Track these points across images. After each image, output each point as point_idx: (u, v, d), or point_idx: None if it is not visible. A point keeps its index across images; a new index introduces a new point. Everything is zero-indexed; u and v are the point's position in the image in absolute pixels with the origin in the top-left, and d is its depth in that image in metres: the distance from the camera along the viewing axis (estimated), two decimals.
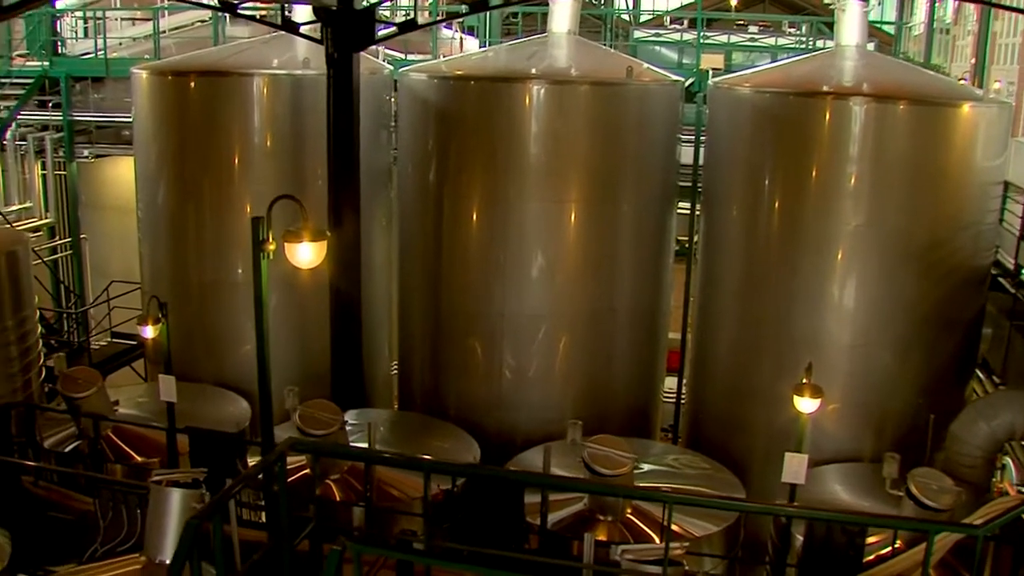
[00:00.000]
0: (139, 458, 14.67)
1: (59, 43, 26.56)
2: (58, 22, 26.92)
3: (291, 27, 17.17)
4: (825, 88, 15.49)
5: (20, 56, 25.14)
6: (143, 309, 14.58)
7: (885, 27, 39.90)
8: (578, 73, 16.71)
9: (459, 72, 17.20)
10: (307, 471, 13.56)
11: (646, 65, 18.20)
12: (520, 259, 16.53)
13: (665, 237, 17.86)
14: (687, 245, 20.55)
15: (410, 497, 13.51)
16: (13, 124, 24.01)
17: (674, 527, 12.74)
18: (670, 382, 20.65)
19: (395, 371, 20.53)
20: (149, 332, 13.75)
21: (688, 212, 19.70)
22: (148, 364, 19.67)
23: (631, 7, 36.14)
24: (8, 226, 21.90)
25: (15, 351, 15.99)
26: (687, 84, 19.06)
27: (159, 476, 10.73)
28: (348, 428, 14.20)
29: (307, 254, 11.24)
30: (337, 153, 16.39)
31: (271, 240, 10.85)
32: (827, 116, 15.28)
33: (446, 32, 27.20)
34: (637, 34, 27.94)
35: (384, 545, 9.41)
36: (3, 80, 24.28)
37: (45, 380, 17.17)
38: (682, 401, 20.83)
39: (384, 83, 19.48)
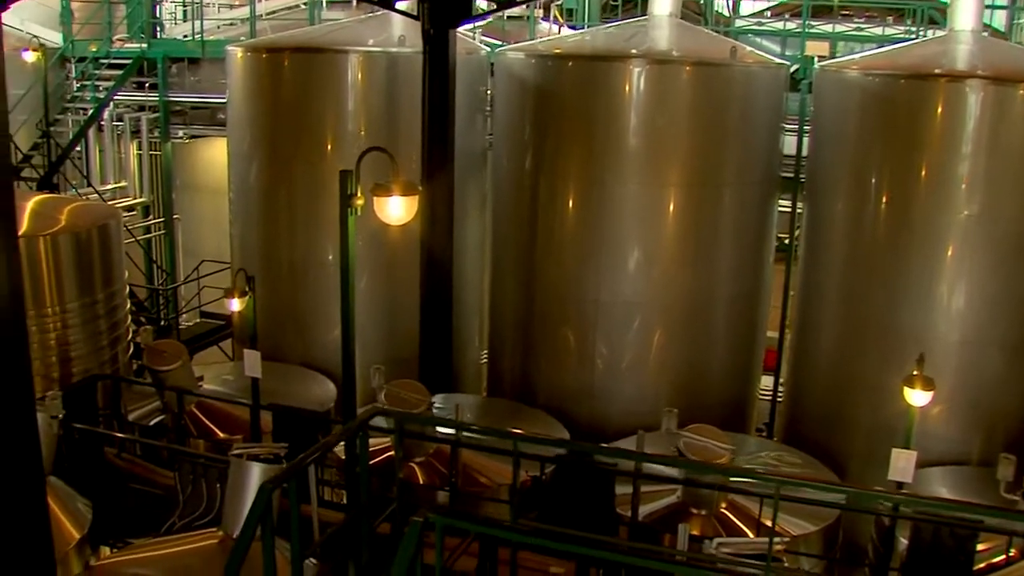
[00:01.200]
0: (222, 434, 14.46)
1: (158, 27, 26.61)
2: (157, 6, 27.01)
3: (387, 2, 16.88)
4: (938, 71, 14.75)
5: (119, 39, 25.22)
6: (232, 283, 14.34)
7: (995, 24, 38.67)
8: (680, 54, 16.15)
9: (557, 51, 16.74)
10: (391, 453, 13.21)
11: (749, 49, 17.60)
12: (616, 244, 16.02)
13: (766, 227, 17.22)
14: (786, 242, 19.88)
15: (496, 483, 13.11)
16: (111, 104, 24.06)
17: (769, 523, 12.21)
18: (765, 381, 20.00)
19: (484, 360, 20.19)
20: (236, 305, 13.50)
21: (788, 209, 19.05)
22: (235, 344, 19.53)
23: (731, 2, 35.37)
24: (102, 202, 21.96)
25: (104, 325, 15.87)
26: (792, 70, 18.39)
27: (240, 450, 10.49)
28: (435, 411, 13.84)
29: (397, 209, 10.80)
30: (432, 132, 16.08)
31: (359, 195, 10.47)
32: (941, 100, 14.56)
33: (543, 24, 26.79)
34: (739, 23, 27.25)
35: (469, 519, 8.98)
36: (102, 61, 24.37)
37: (133, 356, 17.04)
38: (778, 400, 20.15)
39: (480, 67, 19.15)
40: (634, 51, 15.83)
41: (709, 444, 11.91)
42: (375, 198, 10.75)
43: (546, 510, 12.33)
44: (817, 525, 12.57)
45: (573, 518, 11.95)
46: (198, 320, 21.94)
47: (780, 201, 17.98)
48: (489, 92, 19.34)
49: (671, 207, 16.03)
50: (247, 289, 13.21)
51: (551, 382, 16.84)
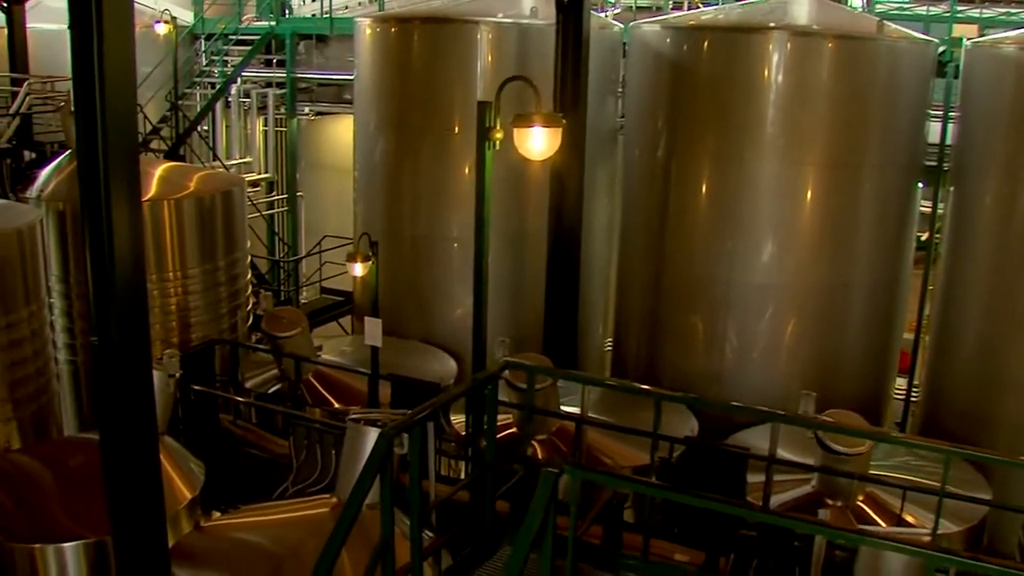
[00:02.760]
0: (338, 405, 14.19)
1: (286, 6, 26.70)
2: None
3: None
4: None
5: (248, 17, 25.32)
6: (355, 248, 14.03)
7: None
8: (822, 27, 15.40)
9: (694, 23, 16.13)
10: (513, 429, 12.77)
11: (894, 27, 16.75)
12: (751, 224, 15.33)
13: (908, 213, 16.35)
14: (924, 240, 18.91)
15: (620, 465, 12.56)
16: (238, 80, 24.14)
17: (909, 518, 11.47)
18: (899, 382, 19.10)
19: (608, 348, 19.70)
20: (359, 270, 13.21)
21: (928, 207, 18.13)
22: (354, 320, 19.32)
23: None
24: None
25: (224, 292, 15.75)
26: (938, 52, 17.46)
27: (357, 415, 10.11)
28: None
29: (539, 141, 10.29)
30: (563, 107, 15.62)
31: (498, 128, 10.02)
32: None
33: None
34: (879, 8, 26.22)
35: (607, 473, 8.47)
36: (230, 37, 24.45)
37: (252, 328, 16.90)
38: (912, 400, 19.24)
39: (613, 45, 18.66)
40: (774, 24, 15.14)
41: None
42: (515, 130, 10.28)
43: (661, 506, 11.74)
44: (960, 525, 11.76)
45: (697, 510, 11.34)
46: (318, 296, 21.81)
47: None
48: (622, 74, 18.87)
49: (809, 187, 15.29)
50: (370, 254, 12.88)
51: (677, 366, 16.22)
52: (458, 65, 17.30)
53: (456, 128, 17.37)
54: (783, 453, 12.05)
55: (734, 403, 13.29)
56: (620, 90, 19.21)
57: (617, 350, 18.28)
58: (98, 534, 9.80)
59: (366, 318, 13.52)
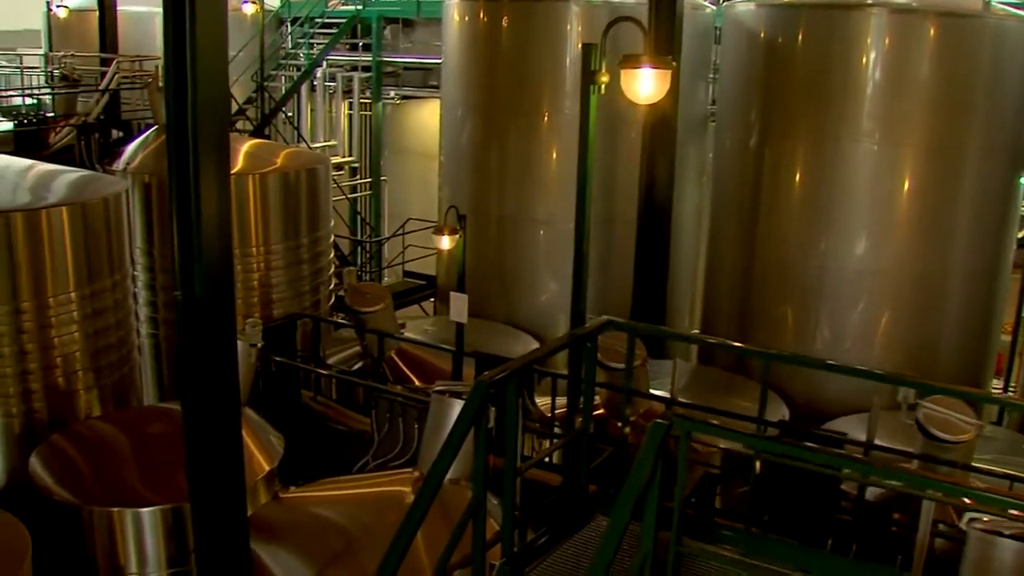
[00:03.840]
0: (420, 384, 13.94)
1: None
2: None
3: None
4: None
5: (335, 1, 25.26)
6: (442, 221, 13.76)
7: None
8: (923, 4, 14.84)
9: (789, 0, 15.65)
10: (601, 411, 12.44)
11: (1000, 4, 16.13)
12: (846, 208, 14.84)
13: (1011, 200, 15.71)
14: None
15: (708, 451, 12.14)
16: (323, 64, 24.08)
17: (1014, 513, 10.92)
18: (993, 383, 18.46)
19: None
20: (446, 243, 12.96)
21: None
22: (437, 304, 19.14)
23: None
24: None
25: (307, 270, 15.61)
26: None
27: (442, 387, 9.85)
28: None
29: (648, 84, 9.93)
30: None
31: (604, 71, 9.68)
32: None
33: None
34: None
35: (718, 426, 8.11)
36: (316, 20, 24.41)
37: (334, 307, 16.76)
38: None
39: (705, 28, 18.36)
40: (872, 0, 14.64)
41: (953, 417, 10.69)
42: (623, 72, 9.93)
43: (760, 483, 11.30)
44: None
45: (791, 494, 10.91)
46: (400, 279, 21.67)
47: None
48: (714, 60, 18.49)
49: (908, 171, 14.77)
50: (457, 227, 12.63)
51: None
52: (548, 45, 17.07)
53: (545, 109, 17.09)
54: (881, 441, 11.58)
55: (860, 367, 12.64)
56: (712, 75, 18.85)
57: (705, 332, 17.85)
58: (172, 501, 9.72)
59: (452, 293, 13.25)
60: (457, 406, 9.33)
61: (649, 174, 15.53)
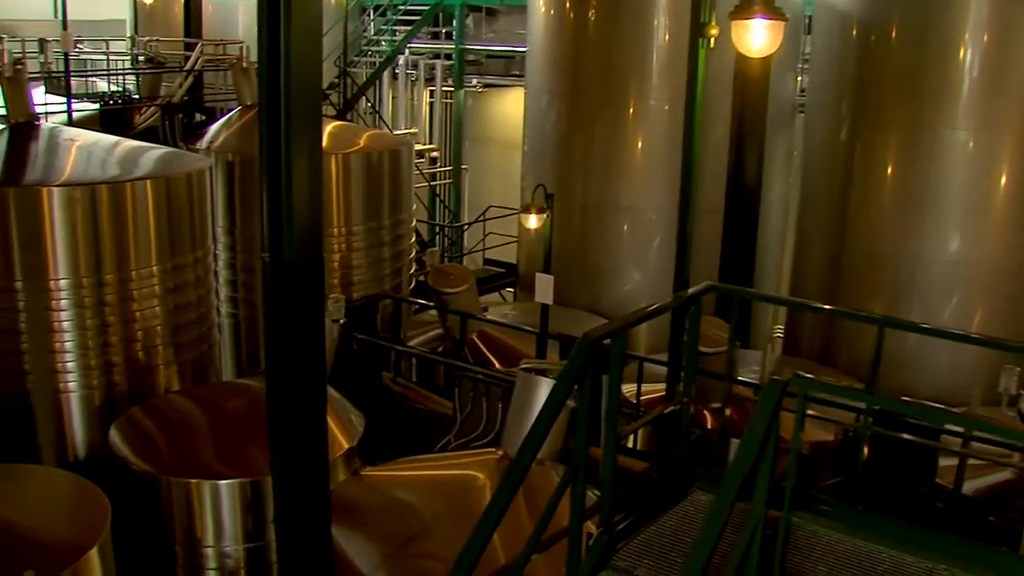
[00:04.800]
0: (501, 368, 13.70)
1: None
2: None
3: None
4: None
5: None
6: (530, 199, 13.48)
7: None
8: None
9: None
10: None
11: None
12: (942, 198, 14.38)
13: None
14: None
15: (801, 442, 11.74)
16: (406, 51, 23.97)
17: None
18: None
19: (777, 334, 18.90)
20: (534, 222, 12.69)
21: None
22: (518, 291, 18.91)
23: None
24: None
25: (388, 252, 15.46)
26: None
27: (528, 364, 9.60)
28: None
29: (760, 35, 9.58)
30: (747, 76, 14.95)
31: (714, 24, 9.35)
32: None
33: None
34: None
35: (836, 387, 7.76)
36: (399, 7, 24.31)
37: (413, 292, 16.57)
38: None
39: (795, 17, 17.79)
40: None
41: None
42: (733, 24, 9.61)
43: (851, 473, 10.91)
44: None
45: (884, 485, 10.50)
46: (480, 267, 21.48)
47: None
48: (803, 50, 18.10)
49: (1006, 159, 14.24)
50: (545, 206, 12.36)
51: (855, 346, 15.28)
52: (634, 34, 16.79)
53: (632, 97, 16.84)
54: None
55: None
56: (801, 66, 18.47)
57: (791, 326, 17.46)
58: (247, 475, 9.62)
59: (538, 274, 13.00)
60: (544, 385, 9.12)
61: (738, 164, 15.22)
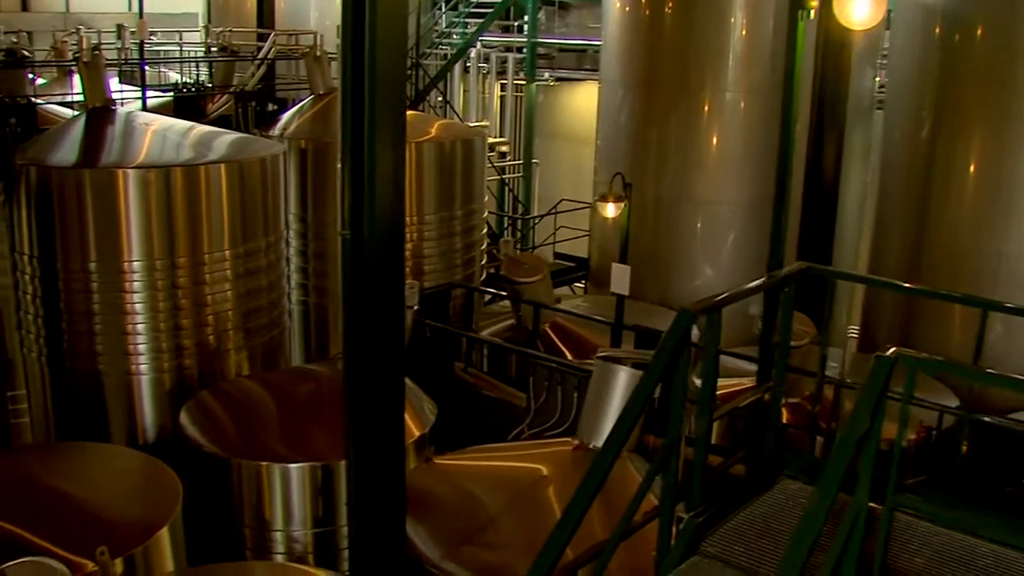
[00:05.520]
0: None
1: None
2: None
3: None
4: None
5: None
6: (608, 188, 13.23)
7: None
8: None
9: None
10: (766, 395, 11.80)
11: None
12: None
13: None
14: None
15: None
16: (477, 44, 23.84)
17: None
18: None
19: (852, 334, 18.49)
20: (612, 211, 12.47)
21: None
22: (588, 285, 18.70)
23: None
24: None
25: (459, 242, 15.32)
26: None
27: (606, 353, 9.38)
28: None
29: (864, 5, 9.29)
30: (824, 71, 14.65)
31: None
32: None
33: None
34: None
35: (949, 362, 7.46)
36: (471, 0, 24.21)
37: (484, 283, 16.42)
38: None
39: None
40: None
41: None
42: None
43: (937, 472, 10.60)
44: None
45: (971, 485, 10.17)
46: (551, 261, 21.30)
47: None
48: (883, 44, 17.74)
49: None
50: (622, 195, 12.14)
51: (932, 344, 14.83)
52: (711, 27, 16.49)
53: (707, 90, 16.58)
54: None
55: None
56: (880, 60, 18.10)
57: (866, 321, 17.09)
58: (314, 459, 9.56)
59: (614, 264, 12.80)
60: (622, 373, 8.90)
61: (816, 158, 14.91)
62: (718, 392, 11.76)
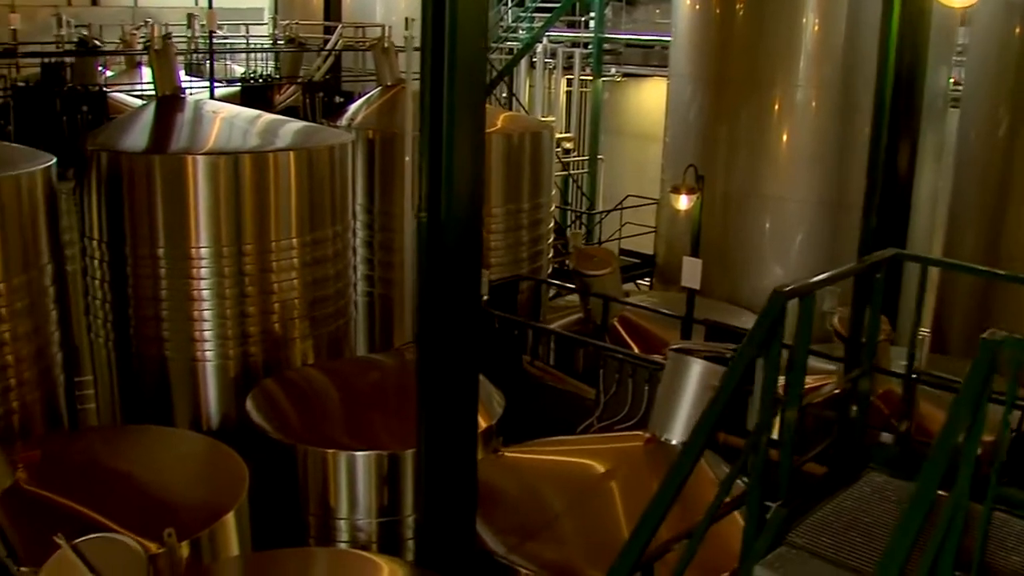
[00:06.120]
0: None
1: None
2: None
3: None
4: None
5: None
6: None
7: None
8: None
9: None
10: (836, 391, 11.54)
11: None
12: None
13: None
14: None
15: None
16: (543, 40, 23.69)
17: None
18: None
19: (923, 334, 18.16)
20: (685, 203, 12.28)
21: None
22: (654, 283, 18.49)
23: None
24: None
25: (526, 236, 15.18)
26: None
27: (680, 345, 9.19)
28: None
29: None
30: (899, 64, 14.31)
31: None
32: None
33: None
34: None
35: None
36: None
37: (551, 276, 16.28)
38: None
39: (948, 11, 17.14)
40: None
41: None
42: None
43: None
44: None
45: None
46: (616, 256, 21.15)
47: None
48: (960, 41, 17.40)
49: None
50: (695, 187, 11.94)
51: None
52: (783, 21, 16.21)
53: (779, 86, 16.33)
54: None
55: None
56: (955, 58, 17.74)
57: (938, 319, 16.74)
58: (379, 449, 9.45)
59: (685, 258, 12.60)
60: (696, 365, 8.71)
61: (889, 157, 14.58)
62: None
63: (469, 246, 6.91)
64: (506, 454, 9.65)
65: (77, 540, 5.47)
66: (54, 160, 10.69)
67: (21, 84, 14.17)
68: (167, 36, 13.51)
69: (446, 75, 6.53)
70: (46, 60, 14.03)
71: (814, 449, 6.49)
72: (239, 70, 22.74)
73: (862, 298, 6.93)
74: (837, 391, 6.73)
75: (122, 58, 22.15)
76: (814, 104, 16.42)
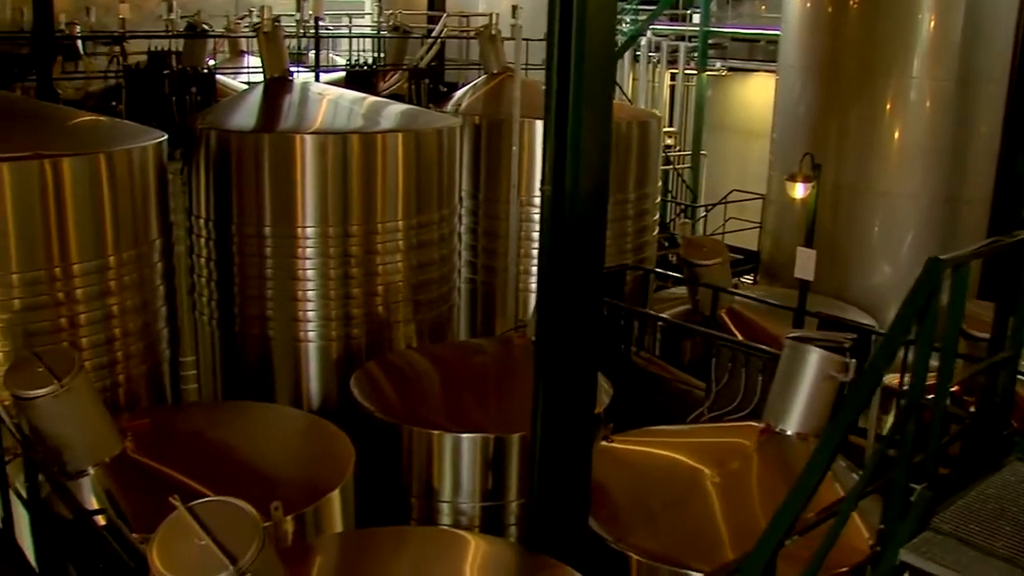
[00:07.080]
0: None
1: None
2: None
3: None
4: None
5: None
6: (799, 168, 12.68)
7: None
8: None
9: None
10: (956, 387, 11.15)
11: None
12: None
13: None
14: None
15: None
16: (648, 33, 23.41)
17: None
18: None
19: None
20: (801, 191, 11.97)
21: None
22: (759, 276, 18.11)
23: None
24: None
25: (631, 226, 14.92)
26: None
27: (798, 334, 8.89)
28: None
29: None
30: (1015, 61, 13.92)
31: None
32: None
33: None
34: None
35: None
36: None
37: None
38: None
39: None
40: None
41: None
42: None
43: None
44: None
45: None
46: None
47: None
48: None
49: None
50: (811, 175, 11.61)
51: None
52: (898, 15, 15.78)
53: (892, 79, 15.90)
54: None
55: None
56: None
57: None
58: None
59: (799, 248, 12.28)
60: (814, 354, 8.41)
61: (1009, 154, 14.14)
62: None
63: (593, 222, 6.74)
64: (617, 441, 9.41)
65: (193, 503, 5.37)
66: (165, 136, 10.72)
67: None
68: (277, 18, 13.54)
69: (574, 33, 6.35)
70: (152, 49, 14.10)
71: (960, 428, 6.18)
72: (340, 61, 22.78)
73: (1015, 272, 6.57)
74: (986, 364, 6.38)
75: (227, 48, 22.33)
76: (928, 99, 15.95)
